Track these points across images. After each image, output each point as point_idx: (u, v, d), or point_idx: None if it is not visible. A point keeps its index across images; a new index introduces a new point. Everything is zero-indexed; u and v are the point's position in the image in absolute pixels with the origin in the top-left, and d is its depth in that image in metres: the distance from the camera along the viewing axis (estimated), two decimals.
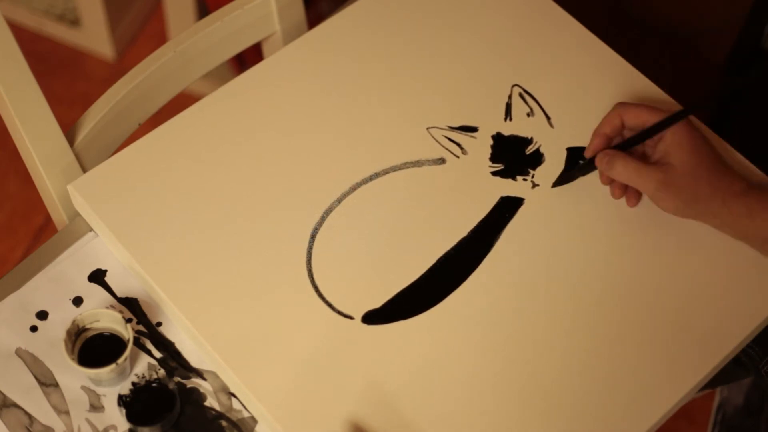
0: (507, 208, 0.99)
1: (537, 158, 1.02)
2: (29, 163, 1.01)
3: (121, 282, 0.97)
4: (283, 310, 0.93)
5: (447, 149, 1.02)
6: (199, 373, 0.93)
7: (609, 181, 0.99)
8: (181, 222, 0.96)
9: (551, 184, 1.00)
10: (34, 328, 0.94)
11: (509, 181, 1.00)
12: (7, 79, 0.94)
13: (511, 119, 1.04)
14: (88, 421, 0.90)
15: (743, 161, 1.02)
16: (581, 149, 1.02)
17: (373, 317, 0.93)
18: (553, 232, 0.98)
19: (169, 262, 0.94)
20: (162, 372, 0.92)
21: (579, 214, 0.99)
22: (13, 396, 0.91)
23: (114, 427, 0.90)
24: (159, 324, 0.95)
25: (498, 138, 1.03)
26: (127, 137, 1.08)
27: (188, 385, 0.92)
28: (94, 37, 1.94)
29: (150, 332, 0.94)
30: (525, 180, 1.00)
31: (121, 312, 0.94)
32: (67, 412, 0.90)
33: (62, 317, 0.95)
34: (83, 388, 0.92)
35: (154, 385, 0.91)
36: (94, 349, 0.92)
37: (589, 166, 0.98)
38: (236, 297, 0.93)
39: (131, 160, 1.00)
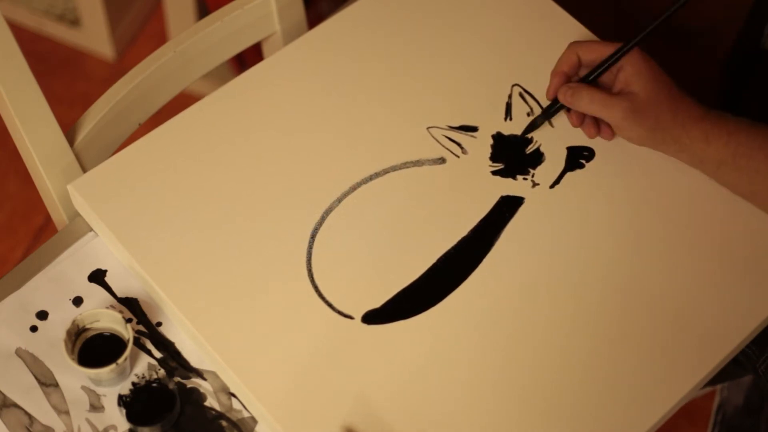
0: (507, 207, 0.99)
1: (537, 158, 1.02)
2: (29, 163, 1.01)
3: (121, 282, 0.97)
4: (283, 310, 0.93)
5: (447, 149, 1.02)
6: (199, 373, 0.93)
7: (580, 122, 1.01)
8: (181, 222, 0.97)
9: (523, 131, 1.02)
10: (34, 328, 0.94)
11: (509, 180, 1.00)
12: (7, 79, 0.94)
13: (511, 119, 1.04)
14: (88, 421, 0.90)
15: None
16: (581, 148, 1.02)
17: (373, 317, 0.93)
18: (553, 232, 0.98)
19: (169, 262, 0.94)
20: (162, 372, 0.92)
21: (579, 214, 0.99)
22: (13, 396, 0.91)
23: (114, 427, 0.90)
24: (159, 324, 0.95)
25: (498, 137, 1.03)
26: (127, 137, 1.08)
27: (188, 385, 0.92)
28: (94, 37, 1.94)
29: (150, 332, 0.94)
30: (525, 179, 1.00)
31: (121, 312, 0.94)
32: (67, 412, 0.90)
33: (62, 317, 0.95)
34: (83, 388, 0.92)
35: (154, 385, 0.91)
36: (94, 349, 0.92)
37: (554, 107, 1.01)
38: (236, 297, 0.93)
39: (131, 160, 1.00)
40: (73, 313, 0.95)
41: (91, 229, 1.00)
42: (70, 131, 1.02)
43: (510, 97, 1.05)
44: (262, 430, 0.90)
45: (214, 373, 0.93)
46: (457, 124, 1.03)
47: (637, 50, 0.97)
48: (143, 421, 0.89)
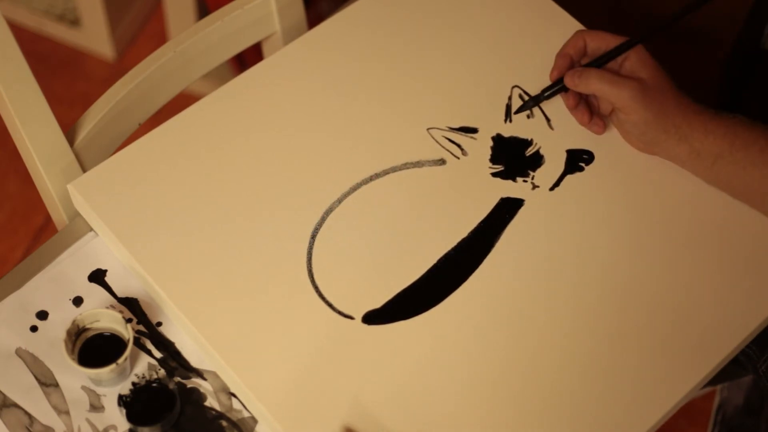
0: (507, 209, 0.99)
1: (537, 160, 1.02)
2: (29, 163, 1.01)
3: (121, 282, 0.97)
4: (283, 310, 0.93)
5: (447, 150, 1.02)
6: (199, 373, 0.93)
7: (575, 104, 1.02)
8: (182, 222, 0.97)
9: (516, 109, 1.03)
10: (34, 328, 0.94)
11: (509, 182, 1.00)
12: (7, 79, 0.94)
13: (511, 120, 1.04)
14: (88, 421, 0.90)
15: None
16: (581, 151, 1.02)
17: (373, 317, 0.93)
18: (553, 233, 0.98)
19: (169, 262, 0.94)
20: (162, 372, 0.92)
21: (579, 215, 0.99)
22: (13, 396, 0.91)
23: (114, 427, 0.90)
24: (159, 324, 0.95)
25: (498, 139, 1.03)
26: (127, 137, 1.08)
27: (188, 385, 0.92)
28: (94, 37, 1.94)
29: (150, 332, 0.94)
30: (525, 181, 1.00)
31: (121, 312, 0.94)
32: (67, 412, 0.90)
33: (62, 317, 0.95)
34: (83, 388, 0.92)
35: (154, 385, 0.91)
36: (94, 349, 0.92)
37: (555, 88, 1.01)
38: (236, 297, 0.93)
39: (131, 160, 1.00)
40: (73, 313, 0.95)
41: (91, 229, 1.00)
42: (70, 131, 1.02)
43: (510, 98, 1.05)
44: (262, 430, 0.90)
45: (214, 373, 0.93)
46: (457, 126, 1.03)
47: (641, 45, 0.99)
48: (143, 421, 0.89)
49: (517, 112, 1.03)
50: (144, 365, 0.93)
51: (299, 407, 0.88)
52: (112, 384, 0.91)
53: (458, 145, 1.02)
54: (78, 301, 0.96)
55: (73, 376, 0.92)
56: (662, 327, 0.93)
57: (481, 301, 0.94)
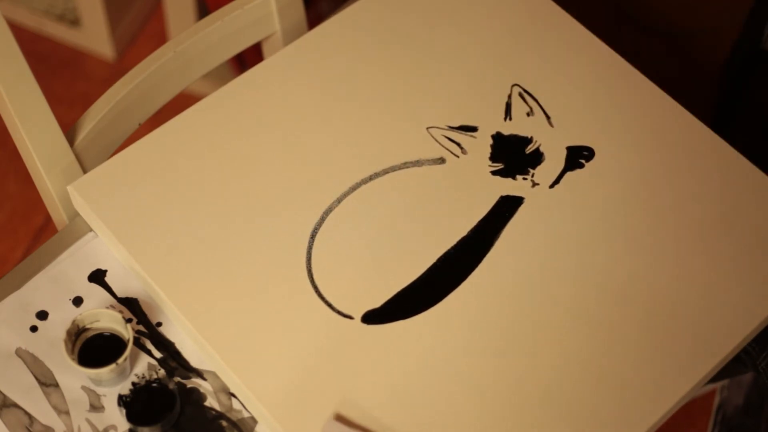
0: (507, 207, 0.99)
1: (537, 157, 1.02)
2: (29, 163, 1.01)
3: (121, 282, 0.97)
4: (283, 310, 0.93)
5: (447, 149, 1.02)
6: (199, 373, 0.93)
7: None
8: (181, 222, 0.97)
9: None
10: (34, 328, 0.94)
11: (509, 180, 1.00)
12: (7, 79, 0.94)
13: (510, 119, 1.04)
14: (88, 421, 0.90)
15: (743, 161, 1.02)
16: (581, 148, 1.02)
17: (373, 317, 0.93)
18: (552, 231, 0.98)
19: (169, 262, 0.94)
20: (162, 372, 0.92)
21: (579, 213, 0.99)
22: (13, 396, 0.91)
23: (114, 427, 0.90)
24: (159, 324, 0.95)
25: (498, 137, 1.03)
26: (127, 137, 1.08)
27: (188, 385, 0.92)
28: (94, 37, 1.94)
29: (150, 332, 0.94)
30: (525, 179, 1.00)
31: (121, 312, 0.94)
32: (67, 412, 0.90)
33: (62, 317, 0.95)
34: (83, 388, 0.92)
35: (154, 385, 0.91)
36: (94, 349, 0.92)
37: None
38: (236, 297, 0.93)
39: (131, 161, 1.00)
40: (73, 313, 0.95)
41: (91, 230, 1.00)
42: (70, 131, 1.02)
43: (510, 97, 1.05)
44: (262, 430, 0.90)
45: (214, 373, 0.93)
46: (456, 124, 1.03)
47: None
48: (143, 421, 0.89)
49: None
50: (144, 365, 0.93)
51: (299, 407, 0.88)
52: (112, 384, 0.91)
53: (458, 144, 1.02)
54: (78, 301, 0.96)
55: (73, 376, 0.92)
56: (662, 325, 0.93)
57: (480, 300, 0.94)
